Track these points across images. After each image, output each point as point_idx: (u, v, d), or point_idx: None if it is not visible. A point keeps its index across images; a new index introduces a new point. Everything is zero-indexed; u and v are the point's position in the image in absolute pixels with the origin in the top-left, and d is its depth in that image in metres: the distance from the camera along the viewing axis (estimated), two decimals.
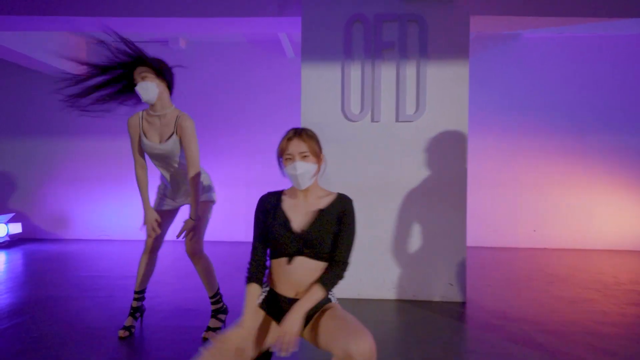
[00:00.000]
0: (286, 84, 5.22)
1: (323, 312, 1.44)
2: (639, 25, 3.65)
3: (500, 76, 5.02)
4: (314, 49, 2.94)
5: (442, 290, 2.93)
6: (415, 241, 2.94)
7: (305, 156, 1.47)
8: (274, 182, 5.41)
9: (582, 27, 4.56)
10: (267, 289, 1.51)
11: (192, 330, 2.32)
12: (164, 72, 2.11)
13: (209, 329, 2.24)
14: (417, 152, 2.92)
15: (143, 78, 2.05)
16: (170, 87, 2.20)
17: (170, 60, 5.50)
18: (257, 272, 1.48)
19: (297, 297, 1.44)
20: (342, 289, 2.89)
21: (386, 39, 2.90)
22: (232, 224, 5.22)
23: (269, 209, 1.51)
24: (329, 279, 1.42)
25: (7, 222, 4.87)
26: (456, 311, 2.73)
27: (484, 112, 4.97)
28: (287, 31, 3.61)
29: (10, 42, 4.24)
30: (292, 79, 5.20)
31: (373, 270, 2.94)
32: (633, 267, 4.05)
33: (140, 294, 2.30)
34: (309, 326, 1.45)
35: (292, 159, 1.47)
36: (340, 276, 1.45)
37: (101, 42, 5.20)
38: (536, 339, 2.27)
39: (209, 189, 2.36)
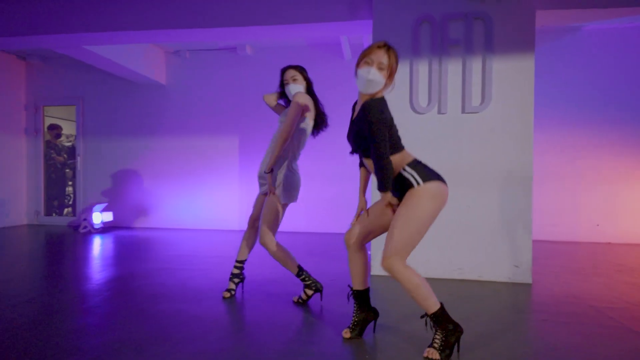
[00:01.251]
0: (344, 85, 5.53)
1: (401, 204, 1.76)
2: None
3: (562, 69, 5.03)
4: None
5: (508, 271, 3.08)
6: (481, 226, 3.12)
7: (381, 68, 1.68)
8: (335, 175, 5.76)
9: None
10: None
11: (284, 295, 2.67)
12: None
13: (299, 297, 2.54)
14: (483, 142, 3.10)
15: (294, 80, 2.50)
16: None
17: (238, 65, 6.05)
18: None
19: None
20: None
21: (452, 37, 3.12)
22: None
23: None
24: (377, 177, 1.68)
25: (101, 211, 5.56)
26: (522, 291, 2.88)
27: (547, 106, 5.00)
28: (353, 34, 3.90)
29: (105, 53, 4.88)
30: (351, 80, 5.50)
31: (440, 251, 3.15)
32: None
33: (240, 263, 2.67)
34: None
35: (370, 64, 1.68)
36: (380, 170, 1.64)
37: (177, 52, 5.80)
38: (607, 313, 2.39)
39: (285, 188, 2.40)
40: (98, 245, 4.58)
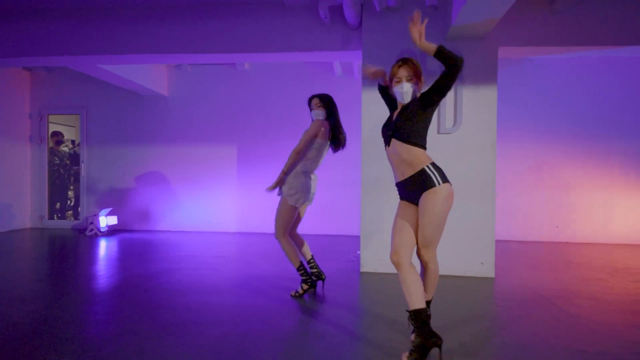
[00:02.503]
0: (335, 98, 6.02)
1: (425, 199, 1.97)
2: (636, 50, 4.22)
3: (523, 91, 5.67)
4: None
5: (475, 268, 3.66)
6: (454, 228, 3.68)
7: (410, 79, 2.03)
8: (339, 182, 6.25)
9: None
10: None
11: (291, 288, 3.17)
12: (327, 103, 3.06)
13: (296, 291, 3.01)
14: (455, 158, 3.67)
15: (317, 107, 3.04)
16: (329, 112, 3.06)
17: (236, 79, 6.52)
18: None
19: (404, 178, 2.04)
20: (392, 266, 3.69)
21: (430, 69, 3.67)
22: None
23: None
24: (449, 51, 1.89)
25: (106, 215, 5.92)
26: (487, 284, 3.46)
27: (511, 121, 5.63)
28: (344, 59, 4.43)
29: (109, 66, 5.21)
30: (340, 93, 6.03)
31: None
32: None
33: (301, 268, 3.02)
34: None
35: (400, 81, 2.03)
36: (455, 59, 1.87)
37: (178, 66, 6.22)
38: (553, 301, 2.97)
39: (295, 191, 2.88)
40: (109, 247, 4.97)
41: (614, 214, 5.55)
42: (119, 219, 6.27)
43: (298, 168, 2.95)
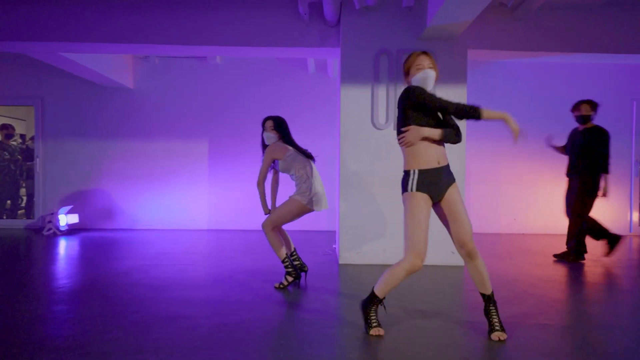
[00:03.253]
0: (308, 95, 6.11)
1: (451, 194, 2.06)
2: (591, 57, 4.69)
3: (490, 90, 6.05)
4: (351, 74, 3.85)
5: (446, 257, 3.88)
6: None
7: (431, 67, 2.10)
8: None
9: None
10: (414, 175, 2.03)
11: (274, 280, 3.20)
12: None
13: (280, 283, 3.03)
14: None
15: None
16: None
17: (207, 73, 6.40)
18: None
19: (440, 165, 2.03)
20: (369, 256, 3.81)
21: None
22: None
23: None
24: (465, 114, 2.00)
25: (66, 214, 5.58)
26: (457, 271, 3.68)
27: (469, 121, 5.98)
28: (322, 57, 4.49)
29: (75, 57, 4.92)
30: (314, 91, 6.11)
31: (394, 241, 3.86)
32: (591, 245, 5.11)
33: (286, 260, 3.04)
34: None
35: (423, 67, 2.08)
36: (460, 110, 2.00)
37: (145, 57, 6.01)
38: (515, 284, 3.23)
39: (301, 190, 3.01)
40: (72, 247, 4.70)
41: (561, 206, 6.07)
42: (80, 218, 5.93)
43: (297, 179, 3.04)
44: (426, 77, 2.08)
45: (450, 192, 2.08)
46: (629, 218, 6.12)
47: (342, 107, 3.89)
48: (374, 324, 2.13)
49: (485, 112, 1.97)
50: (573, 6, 4.15)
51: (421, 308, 2.59)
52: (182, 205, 6.14)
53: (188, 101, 6.14)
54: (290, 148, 3.07)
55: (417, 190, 2.03)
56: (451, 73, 3.86)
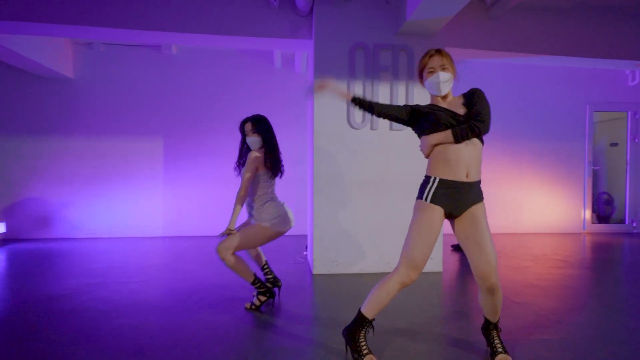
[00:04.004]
0: (274, 92, 5.74)
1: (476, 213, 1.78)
2: (551, 60, 4.78)
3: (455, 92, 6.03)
4: (325, 69, 3.56)
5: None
6: (406, 225, 3.68)
7: (444, 68, 1.82)
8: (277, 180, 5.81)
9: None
10: (434, 182, 1.79)
11: (239, 300, 2.83)
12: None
13: (251, 303, 2.64)
14: (407, 155, 3.67)
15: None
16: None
17: (161, 64, 5.84)
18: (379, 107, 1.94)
19: (468, 179, 1.76)
20: (346, 265, 3.56)
21: (383, 64, 3.61)
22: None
23: (423, 109, 1.87)
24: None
25: None
26: (436, 277, 3.53)
27: None
28: (291, 50, 4.14)
29: (3, 41, 4.23)
30: (280, 87, 5.75)
31: (374, 249, 3.63)
32: (553, 244, 5.23)
33: (256, 281, 2.65)
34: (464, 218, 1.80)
35: (434, 71, 1.83)
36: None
37: (88, 44, 5.34)
38: None
39: (275, 215, 2.59)
40: (2, 261, 4.00)
41: (523, 206, 6.22)
42: (7, 226, 5.13)
43: (259, 201, 2.62)
44: (437, 81, 1.84)
45: (475, 212, 1.80)
46: (582, 216, 6.39)
47: (315, 104, 3.59)
48: (365, 351, 1.87)
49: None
50: (544, 7, 4.16)
51: (407, 326, 2.36)
52: (133, 210, 5.52)
53: (139, 95, 5.53)
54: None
55: (433, 201, 1.80)
56: None
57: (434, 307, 2.75)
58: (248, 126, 2.66)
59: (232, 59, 5.68)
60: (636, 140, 6.49)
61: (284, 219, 2.63)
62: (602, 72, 6.34)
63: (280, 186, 5.66)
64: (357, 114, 3.62)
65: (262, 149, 2.63)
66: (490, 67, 6.08)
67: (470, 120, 1.79)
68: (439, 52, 1.87)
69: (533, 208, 6.23)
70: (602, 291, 3.14)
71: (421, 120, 1.89)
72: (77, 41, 5.34)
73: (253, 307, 2.64)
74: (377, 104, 1.97)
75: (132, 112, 5.52)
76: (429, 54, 1.89)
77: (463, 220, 1.82)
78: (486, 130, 1.80)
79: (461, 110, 1.85)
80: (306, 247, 4.53)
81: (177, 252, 4.53)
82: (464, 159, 1.78)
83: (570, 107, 6.31)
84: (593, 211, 6.78)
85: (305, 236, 5.56)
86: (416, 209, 1.86)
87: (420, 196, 1.86)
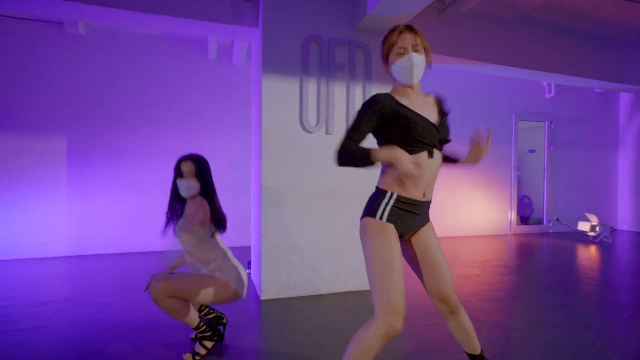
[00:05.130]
0: (206, 86, 5.08)
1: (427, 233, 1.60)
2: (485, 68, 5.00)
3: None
4: (275, 63, 3.10)
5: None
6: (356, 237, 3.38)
7: (417, 49, 1.47)
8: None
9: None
10: (390, 198, 1.49)
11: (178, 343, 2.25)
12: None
13: (193, 354, 2.06)
14: None
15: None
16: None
17: (65, 45, 4.89)
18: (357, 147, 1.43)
19: (424, 199, 1.51)
20: (299, 288, 3.15)
21: (339, 61, 3.26)
22: (142, 231, 4.80)
23: (386, 109, 1.46)
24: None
25: None
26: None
27: None
28: (230, 38, 3.59)
29: None
30: (214, 81, 5.11)
31: (330, 266, 3.26)
32: (490, 248, 5.40)
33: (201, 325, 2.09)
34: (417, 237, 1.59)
35: (404, 52, 1.47)
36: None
37: None
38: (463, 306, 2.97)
39: (233, 274, 2.10)
40: None
41: (458, 211, 6.40)
42: None
43: (214, 263, 2.08)
44: (410, 64, 1.47)
45: (425, 234, 1.60)
46: (509, 218, 6.79)
47: (263, 102, 3.10)
48: None
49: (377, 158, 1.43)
50: (492, 17, 4.18)
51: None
52: (27, 224, 4.45)
53: (36, 82, 4.47)
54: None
55: (389, 220, 1.49)
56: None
57: (404, 335, 2.47)
58: (188, 166, 2.08)
59: (156, 45, 4.89)
60: (551, 147, 7.09)
61: (243, 284, 2.13)
62: (526, 83, 6.80)
63: (218, 192, 5.05)
64: (311, 115, 3.22)
65: (197, 198, 2.09)
66: (429, 71, 6.13)
67: (442, 143, 1.57)
68: (410, 29, 1.50)
69: (467, 212, 6.44)
70: (552, 301, 3.16)
71: (390, 126, 1.49)
72: None
73: (197, 357, 2.06)
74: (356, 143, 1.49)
75: (27, 102, 4.44)
76: (397, 30, 1.49)
77: (414, 242, 1.62)
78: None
79: (433, 115, 1.55)
80: (249, 264, 4.01)
81: (87, 277, 3.68)
82: (426, 176, 1.52)
83: (499, 115, 6.66)
84: (518, 213, 7.26)
85: (247, 248, 5.01)
86: (368, 230, 1.49)
87: (371, 213, 1.50)
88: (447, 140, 1.60)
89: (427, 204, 1.58)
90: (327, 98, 3.23)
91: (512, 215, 6.80)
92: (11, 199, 4.40)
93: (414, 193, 1.51)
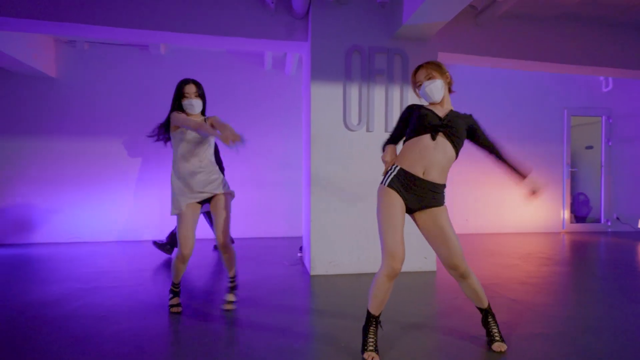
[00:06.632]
0: (264, 93, 5.72)
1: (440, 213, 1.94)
2: (531, 66, 5.02)
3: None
4: (322, 71, 3.59)
5: (419, 263, 3.78)
6: None
7: (429, 77, 1.99)
8: (259, 181, 5.91)
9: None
10: (394, 170, 1.92)
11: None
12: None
13: (229, 302, 2.64)
14: None
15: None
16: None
17: (149, 65, 5.73)
18: (392, 141, 2.06)
19: (424, 177, 1.88)
20: (343, 267, 3.59)
21: (378, 67, 3.67)
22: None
23: (414, 110, 1.99)
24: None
25: None
26: (430, 277, 3.60)
27: None
28: (284, 51, 4.15)
29: None
30: (270, 89, 5.74)
31: (369, 249, 3.67)
32: (536, 244, 5.42)
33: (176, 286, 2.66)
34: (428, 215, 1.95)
35: (421, 84, 2.01)
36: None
37: (72, 42, 5.19)
38: (491, 288, 3.22)
39: (226, 183, 2.64)
40: None
41: (506, 207, 6.42)
42: None
43: (215, 167, 2.62)
44: (425, 91, 2.02)
45: (437, 217, 1.95)
46: (561, 216, 6.66)
47: (312, 106, 3.60)
48: (370, 348, 1.91)
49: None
50: (530, 17, 4.33)
51: (412, 321, 2.40)
52: (123, 213, 5.37)
53: (125, 95, 5.39)
54: None
55: (389, 186, 1.92)
56: None
57: (428, 305, 2.81)
58: (191, 88, 2.51)
59: (221, 60, 5.63)
60: (610, 143, 6.83)
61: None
62: (579, 78, 6.65)
63: (271, 189, 5.68)
64: (353, 116, 3.66)
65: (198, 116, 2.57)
66: (476, 72, 6.27)
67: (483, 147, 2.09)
68: (422, 65, 2.03)
69: (515, 208, 6.44)
70: (587, 286, 3.28)
71: (410, 120, 2.01)
72: (60, 39, 5.17)
73: (230, 303, 2.64)
74: (390, 139, 2.11)
75: (117, 112, 5.38)
76: (415, 71, 2.05)
77: (424, 219, 1.97)
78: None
79: (456, 123, 1.97)
80: (300, 249, 4.53)
81: (169, 256, 4.43)
82: (427, 157, 1.90)
83: (549, 112, 6.58)
84: (571, 211, 7.07)
85: (297, 238, 5.56)
86: (378, 194, 1.97)
87: (382, 182, 1.98)
88: (489, 146, 2.07)
89: (429, 184, 1.90)
90: (368, 100, 3.66)
91: (565, 213, 6.67)
92: (108, 191, 5.33)
93: (413, 169, 1.91)
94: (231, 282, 2.71)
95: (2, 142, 5.11)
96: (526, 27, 4.38)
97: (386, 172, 1.97)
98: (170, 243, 4.34)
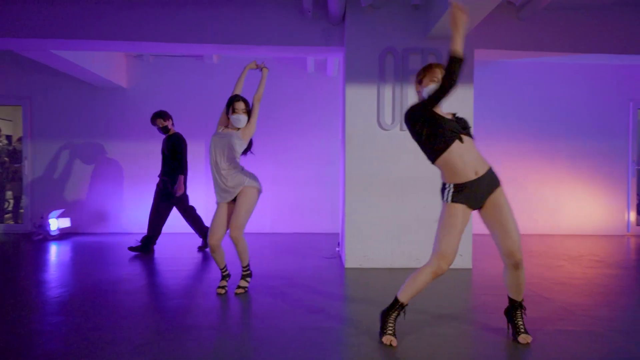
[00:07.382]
0: (307, 95, 6.01)
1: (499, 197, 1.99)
2: (590, 57, 4.70)
3: (485, 95, 6.02)
4: (356, 74, 3.77)
5: (455, 260, 3.80)
6: (434, 223, 3.80)
7: (434, 80, 2.10)
8: (303, 178, 6.19)
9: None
10: (449, 188, 1.99)
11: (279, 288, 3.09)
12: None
13: (239, 287, 2.91)
14: None
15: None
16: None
17: (204, 73, 6.21)
18: None
19: (477, 176, 1.95)
20: (376, 260, 3.73)
21: (412, 67, 3.76)
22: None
23: (421, 118, 2.06)
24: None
25: (57, 217, 5.37)
26: (465, 274, 3.62)
27: (486, 120, 5.94)
28: (324, 56, 4.38)
29: (66, 55, 4.74)
30: (313, 91, 6.01)
31: (402, 245, 3.78)
32: (593, 246, 5.11)
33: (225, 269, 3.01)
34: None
35: (438, 80, 2.07)
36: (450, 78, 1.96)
37: (139, 56, 5.84)
38: (527, 287, 3.17)
39: (254, 177, 2.93)
40: (65, 252, 4.51)
41: (561, 207, 6.08)
42: (72, 221, 5.72)
43: (239, 167, 2.96)
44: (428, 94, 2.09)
45: (495, 199, 2.01)
46: (626, 218, 6.15)
47: (347, 107, 3.79)
48: (389, 332, 2.05)
49: (458, 48, 1.95)
50: (578, 6, 4.13)
51: (438, 312, 2.51)
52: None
53: (184, 101, 5.97)
54: None
55: (453, 201, 2.01)
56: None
57: (457, 298, 2.87)
58: (240, 105, 2.91)
59: (268, 65, 5.99)
60: None
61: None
62: None
63: (313, 186, 5.95)
64: (387, 115, 3.79)
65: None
66: (521, 67, 6.02)
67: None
68: (431, 67, 2.16)
69: (572, 209, 6.07)
70: (635, 291, 3.11)
71: (429, 127, 2.04)
72: (130, 54, 5.87)
73: (241, 289, 2.91)
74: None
75: (178, 117, 5.95)
76: (433, 65, 2.17)
77: (487, 208, 2.03)
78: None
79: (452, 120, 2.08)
80: (338, 244, 4.73)
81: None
82: (469, 161, 1.98)
83: (613, 105, 6.11)
84: (638, 213, 6.48)
85: (336, 234, 5.77)
86: (442, 208, 2.08)
87: (442, 198, 2.09)
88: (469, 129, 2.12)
89: (483, 177, 1.97)
90: (401, 99, 3.76)
91: (631, 215, 6.15)
92: None
93: (466, 177, 1.97)
94: (244, 270, 2.97)
95: (83, 145, 5.93)
96: (575, 17, 4.17)
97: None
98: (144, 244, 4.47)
